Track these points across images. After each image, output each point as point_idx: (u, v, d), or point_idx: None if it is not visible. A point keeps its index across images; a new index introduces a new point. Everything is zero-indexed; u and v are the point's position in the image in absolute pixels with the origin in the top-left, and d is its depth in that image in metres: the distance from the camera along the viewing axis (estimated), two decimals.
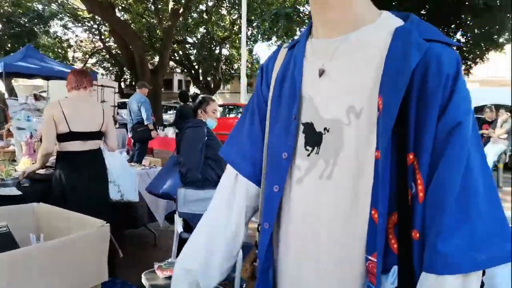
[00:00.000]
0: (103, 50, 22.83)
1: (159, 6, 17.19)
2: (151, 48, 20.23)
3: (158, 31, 18.69)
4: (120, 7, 18.11)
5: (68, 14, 20.24)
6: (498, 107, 8.29)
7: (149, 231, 3.93)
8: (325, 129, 0.72)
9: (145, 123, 6.08)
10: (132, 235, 3.96)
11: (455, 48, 0.73)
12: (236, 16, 19.94)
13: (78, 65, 22.06)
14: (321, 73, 0.74)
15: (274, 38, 14.85)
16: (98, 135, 2.65)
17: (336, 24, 0.73)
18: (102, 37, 21.29)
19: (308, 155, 0.74)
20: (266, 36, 15.76)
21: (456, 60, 0.65)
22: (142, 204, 3.38)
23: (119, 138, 5.61)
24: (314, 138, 0.74)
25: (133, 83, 21.65)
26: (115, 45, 19.21)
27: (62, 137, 2.48)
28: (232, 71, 24.91)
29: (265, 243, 0.79)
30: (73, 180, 2.45)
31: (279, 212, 0.79)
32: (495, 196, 0.63)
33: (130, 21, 19.07)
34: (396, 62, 0.65)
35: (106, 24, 17.26)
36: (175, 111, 17.91)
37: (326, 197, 0.71)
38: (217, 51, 23.05)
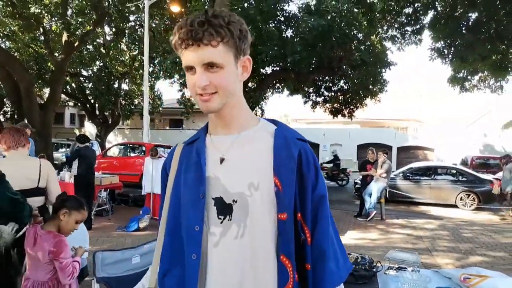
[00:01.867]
0: None
1: (50, 36, 15.96)
2: (40, 79, 18.47)
3: (49, 63, 17.21)
4: (1, 34, 16.36)
5: None
6: (377, 146, 9.62)
7: None
8: (233, 200, 0.97)
9: None
10: None
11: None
12: (136, 52, 19.54)
13: None
14: (222, 161, 1.00)
15: (176, 76, 14.95)
16: (36, 192, 2.54)
17: (231, 126, 1.03)
18: None
19: (221, 222, 0.97)
20: (168, 74, 15.81)
21: (311, 153, 1.03)
22: None
23: None
24: (225, 209, 0.97)
25: (16, 116, 19.31)
26: None
27: None
28: (132, 107, 23.99)
29: None
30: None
31: (201, 275, 0.98)
32: (338, 235, 1.06)
33: (14, 50, 17.29)
34: (282, 152, 0.98)
35: None
36: (68, 149, 16.42)
37: (242, 252, 0.95)
38: (115, 86, 22.10)
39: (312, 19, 10.50)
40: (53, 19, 16.18)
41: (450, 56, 11.29)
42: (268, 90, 14.87)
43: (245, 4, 11.23)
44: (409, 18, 11.55)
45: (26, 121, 12.49)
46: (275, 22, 11.81)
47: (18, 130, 2.75)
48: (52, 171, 2.74)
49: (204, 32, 0.89)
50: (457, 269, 2.23)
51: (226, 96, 0.96)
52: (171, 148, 1.20)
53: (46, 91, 20.25)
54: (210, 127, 1.07)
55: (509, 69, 11.61)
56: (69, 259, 2.07)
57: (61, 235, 2.14)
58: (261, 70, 12.79)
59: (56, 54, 15.15)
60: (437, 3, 11.10)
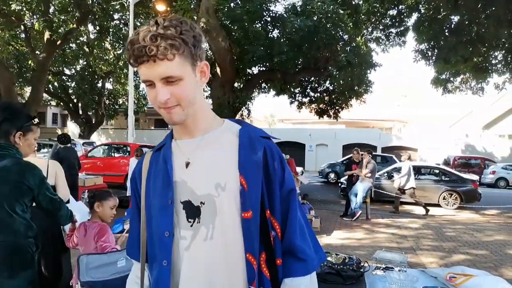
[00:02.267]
0: None
1: (31, 34, 15.58)
2: (21, 78, 18.03)
3: (30, 61, 16.80)
4: None
5: None
6: (362, 146, 9.71)
7: None
8: (201, 202, 0.98)
9: None
10: None
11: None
12: (121, 50, 19.26)
13: None
14: (187, 164, 1.01)
15: None
16: None
17: (195, 130, 1.04)
18: None
19: (191, 225, 0.98)
20: None
21: (277, 149, 1.04)
22: None
23: None
24: (193, 211, 0.98)
25: None
26: None
27: None
28: (117, 106, 23.66)
29: None
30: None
31: (173, 279, 0.99)
32: (309, 225, 1.08)
33: None
34: (247, 151, 0.98)
35: None
36: (50, 149, 16.07)
37: (212, 253, 0.96)
38: (99, 85, 21.76)
39: (299, 20, 10.54)
40: (34, 16, 15.81)
41: (433, 58, 11.52)
42: (255, 90, 14.87)
43: (232, 4, 11.20)
44: (393, 20, 11.75)
45: None
46: (262, 22, 11.81)
47: None
48: (60, 170, 2.91)
49: (158, 47, 0.87)
50: (442, 268, 2.26)
51: (188, 106, 0.96)
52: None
53: (28, 90, 19.82)
54: (175, 132, 1.09)
55: (490, 71, 11.91)
56: (108, 243, 2.31)
57: (103, 223, 2.48)
58: (248, 70, 12.78)
59: (38, 53, 14.81)
60: (421, 5, 11.31)
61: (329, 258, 2.30)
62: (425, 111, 35.60)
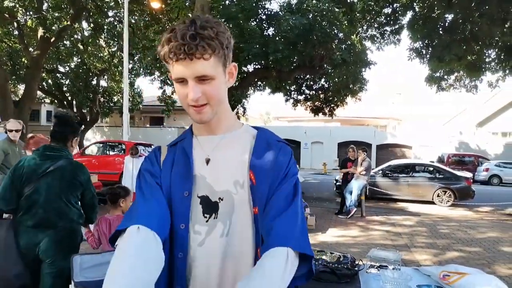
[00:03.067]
0: None
1: (25, 31, 15.40)
2: (15, 75, 17.84)
3: (23, 58, 16.63)
4: None
5: None
6: (355, 143, 9.74)
7: None
8: (219, 198, 0.99)
9: None
10: None
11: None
12: (116, 48, 19.11)
13: None
14: (208, 161, 1.03)
15: (157, 73, 14.72)
16: None
17: (217, 128, 1.06)
18: None
19: (207, 221, 0.98)
20: (149, 71, 15.56)
21: (290, 152, 1.06)
22: None
23: None
24: (210, 207, 0.99)
25: None
26: None
27: None
28: (112, 104, 23.50)
29: None
30: None
31: (188, 274, 0.99)
32: (304, 222, 0.99)
33: None
34: (261, 151, 1.02)
35: None
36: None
37: (228, 249, 0.97)
38: (94, 83, 21.59)
39: (294, 18, 10.53)
40: (27, 13, 15.62)
41: (428, 56, 11.56)
42: (250, 88, 14.86)
43: (227, 2, 11.17)
44: (388, 18, 11.77)
45: (0, 118, 12.09)
46: (257, 20, 11.79)
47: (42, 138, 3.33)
48: None
49: (197, 47, 0.89)
50: (436, 266, 2.27)
51: (217, 105, 0.98)
52: (153, 147, 1.19)
53: (21, 87, 19.62)
54: (195, 129, 1.10)
55: (483, 69, 11.98)
56: None
57: None
58: (243, 68, 12.76)
59: (32, 50, 14.64)
60: (415, 4, 11.34)
61: (323, 257, 2.31)
62: (419, 109, 35.77)
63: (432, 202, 10.86)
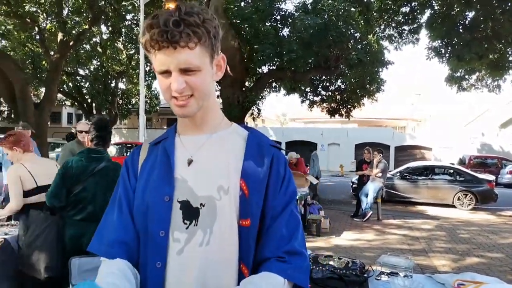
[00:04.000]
0: None
1: (45, 35, 15.79)
2: (36, 78, 18.33)
3: (44, 62, 17.06)
4: None
5: None
6: (373, 145, 9.55)
7: None
8: (201, 204, 0.90)
9: None
10: None
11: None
12: (133, 51, 19.40)
13: None
14: (190, 162, 0.94)
15: None
16: None
17: (203, 126, 0.98)
18: None
19: (187, 228, 0.90)
20: None
21: (284, 158, 1.00)
22: None
23: None
24: (191, 213, 0.90)
25: (12, 116, 19.13)
26: None
27: (30, 192, 2.88)
28: (130, 106, 23.88)
29: None
30: None
31: (164, 285, 0.90)
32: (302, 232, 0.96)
33: (10, 49, 17.13)
34: (254, 158, 0.94)
35: None
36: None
37: (207, 260, 0.88)
38: (113, 85, 21.98)
39: (309, 18, 10.42)
40: (48, 18, 16.03)
41: (447, 55, 11.26)
42: (265, 89, 14.79)
43: (242, 3, 11.15)
44: (406, 17, 11.53)
45: (21, 121, 12.40)
46: (271, 21, 11.73)
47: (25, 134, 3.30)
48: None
49: (181, 34, 0.81)
50: (451, 274, 2.15)
51: (202, 98, 0.90)
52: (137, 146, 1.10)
53: (43, 90, 20.10)
54: (180, 127, 1.02)
55: (507, 68, 11.57)
56: None
57: None
58: (258, 69, 12.71)
59: (52, 53, 14.99)
60: (433, 2, 11.07)
61: (331, 262, 2.22)
62: (439, 110, 34.92)
63: (452, 206, 10.53)
